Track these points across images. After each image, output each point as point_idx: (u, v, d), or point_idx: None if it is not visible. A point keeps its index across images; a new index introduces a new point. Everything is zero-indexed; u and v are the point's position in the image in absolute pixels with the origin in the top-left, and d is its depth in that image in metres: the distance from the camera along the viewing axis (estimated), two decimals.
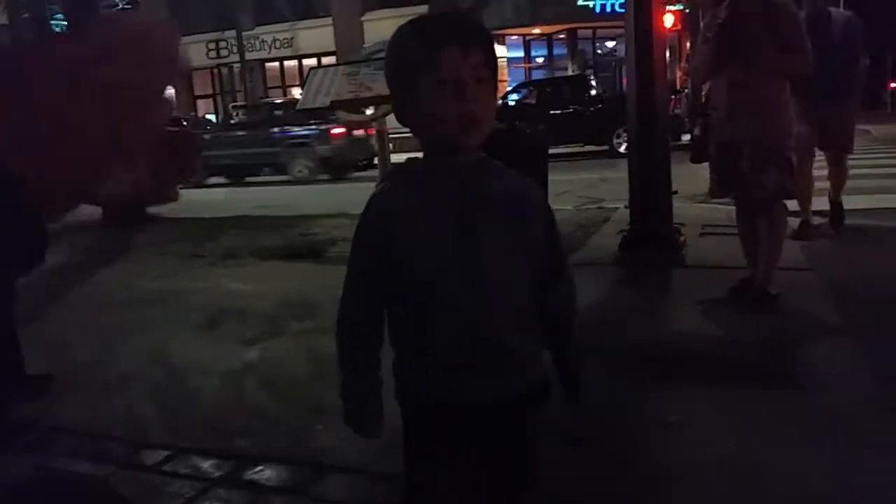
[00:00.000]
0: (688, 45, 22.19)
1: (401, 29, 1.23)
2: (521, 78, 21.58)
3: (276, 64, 25.70)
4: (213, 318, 4.00)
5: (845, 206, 5.41)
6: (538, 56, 24.02)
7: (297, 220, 7.43)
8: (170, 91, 25.34)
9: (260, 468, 2.30)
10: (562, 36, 22.90)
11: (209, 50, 25.39)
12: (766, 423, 2.39)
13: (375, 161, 10.60)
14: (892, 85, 34.88)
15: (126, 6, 26.77)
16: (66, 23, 11.25)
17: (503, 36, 22.10)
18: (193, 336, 3.73)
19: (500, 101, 16.67)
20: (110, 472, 2.37)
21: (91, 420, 2.75)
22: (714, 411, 2.53)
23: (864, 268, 4.24)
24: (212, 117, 26.03)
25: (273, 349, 3.48)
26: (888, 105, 30.68)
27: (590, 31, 22.87)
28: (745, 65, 3.51)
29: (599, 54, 24.21)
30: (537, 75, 22.67)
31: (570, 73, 21.30)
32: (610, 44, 23.89)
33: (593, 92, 16.54)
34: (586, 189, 8.78)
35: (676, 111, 12.46)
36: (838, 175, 5.40)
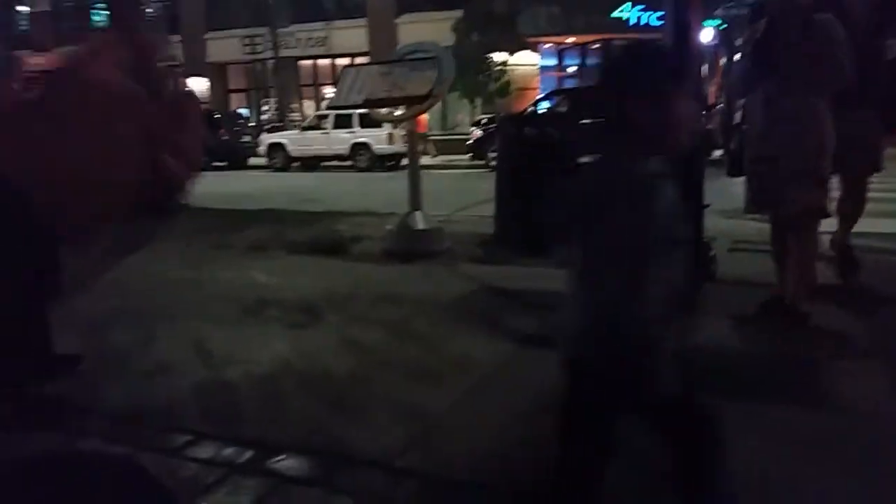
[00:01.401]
0: (722, 60, 21.95)
1: (660, 47, 1.57)
2: (553, 86, 21.52)
3: (310, 62, 25.90)
4: (238, 308, 4.03)
5: (870, 230, 4.82)
6: (571, 65, 23.96)
7: (326, 216, 7.48)
8: (204, 84, 25.70)
9: (281, 457, 2.31)
10: (595, 46, 22.82)
11: (245, 45, 25.67)
12: (788, 442, 2.35)
13: (404, 161, 10.68)
14: None
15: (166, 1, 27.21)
16: (107, 12, 11.45)
17: (536, 44, 22.08)
18: (218, 325, 3.76)
19: (531, 109, 16.66)
20: (130, 454, 2.39)
21: (114, 402, 2.79)
22: (739, 428, 2.48)
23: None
24: (245, 111, 26.33)
25: (298, 340, 3.50)
26: None
27: (623, 43, 22.78)
28: (781, 79, 3.47)
29: None
30: (569, 84, 22.60)
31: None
32: None
33: None
34: None
35: (709, 126, 12.32)
36: (857, 204, 4.40)
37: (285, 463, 2.29)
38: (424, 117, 20.02)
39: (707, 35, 18.59)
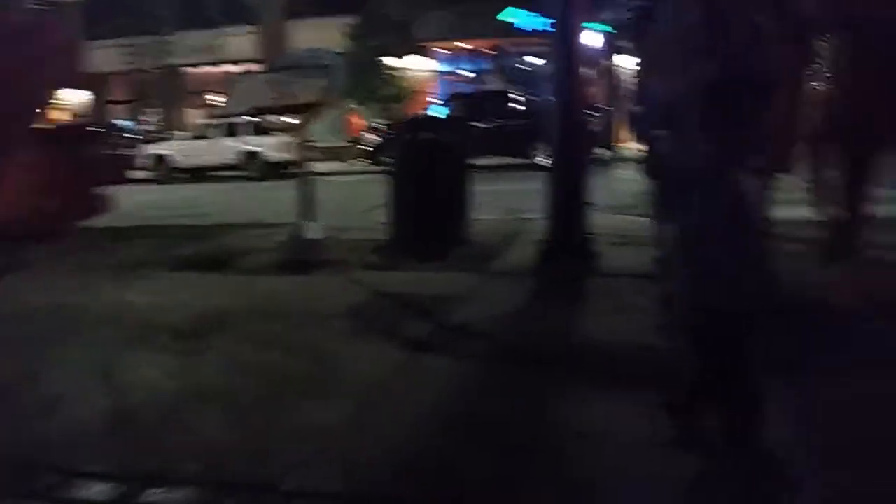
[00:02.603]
0: (609, 63, 22.81)
1: None
2: (449, 91, 21.73)
3: (197, 70, 25.00)
4: (112, 332, 3.78)
5: None
6: (465, 70, 24.28)
7: (212, 229, 7.20)
8: (85, 96, 24.29)
9: (160, 490, 2.17)
10: (489, 51, 23.23)
11: (128, 55, 24.47)
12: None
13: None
14: None
15: (46, 6, 25.58)
16: None
17: (432, 48, 22.25)
18: (88, 352, 3.50)
19: (426, 114, 16.73)
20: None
21: None
22: (629, 422, 2.48)
23: None
24: (127, 123, 25.06)
25: (178, 365, 3.31)
26: None
27: (515, 47, 23.29)
28: None
29: (524, 70, 24.66)
30: (464, 89, 22.87)
31: (494, 87, 21.59)
32: (535, 60, 24.35)
33: (516, 106, 16.82)
34: (506, 200, 8.83)
35: (593, 128, 12.69)
36: None
37: (163, 495, 2.15)
38: (358, 120, 19.73)
39: (596, 39, 19.25)
